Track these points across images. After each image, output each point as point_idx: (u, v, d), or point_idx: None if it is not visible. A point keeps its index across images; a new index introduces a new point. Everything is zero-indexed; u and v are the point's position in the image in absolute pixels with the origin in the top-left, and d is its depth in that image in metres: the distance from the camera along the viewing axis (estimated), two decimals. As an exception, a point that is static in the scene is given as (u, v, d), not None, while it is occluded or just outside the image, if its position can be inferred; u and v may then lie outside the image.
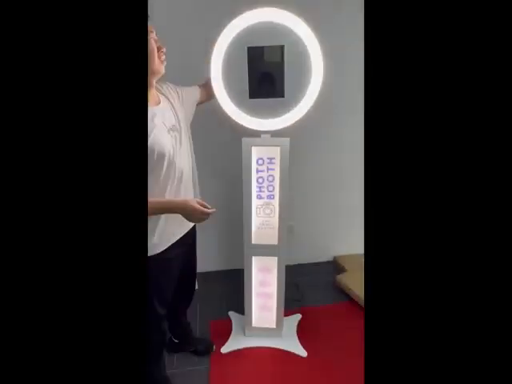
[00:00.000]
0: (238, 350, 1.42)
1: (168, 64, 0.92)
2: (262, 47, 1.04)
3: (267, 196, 1.25)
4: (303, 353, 1.39)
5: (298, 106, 1.07)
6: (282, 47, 1.02)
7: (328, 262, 2.06)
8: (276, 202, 1.25)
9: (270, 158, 1.20)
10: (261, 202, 1.26)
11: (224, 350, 1.41)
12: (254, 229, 1.29)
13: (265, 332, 1.46)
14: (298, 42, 1.01)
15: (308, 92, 1.05)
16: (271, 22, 0.99)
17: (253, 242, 1.30)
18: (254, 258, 1.34)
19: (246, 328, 1.46)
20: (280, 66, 1.05)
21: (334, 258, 2.05)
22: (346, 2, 1.50)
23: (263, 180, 1.23)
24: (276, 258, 1.33)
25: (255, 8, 0.98)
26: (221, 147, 1.72)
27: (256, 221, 1.29)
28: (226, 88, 1.07)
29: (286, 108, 1.08)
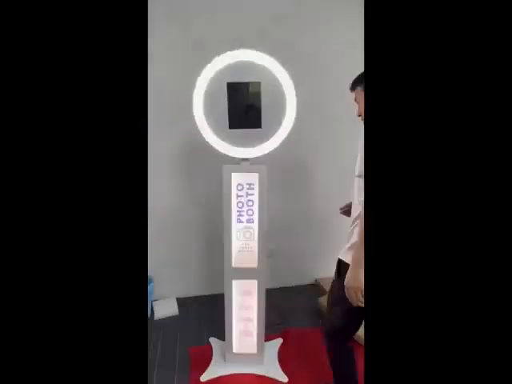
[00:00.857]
0: (218, 378, 1.39)
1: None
2: (241, 83, 1.13)
3: (247, 220, 1.30)
4: (284, 378, 1.38)
5: (274, 136, 1.15)
6: (259, 83, 1.12)
7: (311, 285, 2.09)
8: (255, 225, 1.30)
9: (249, 184, 1.26)
10: (241, 225, 1.31)
11: (203, 378, 1.38)
12: (234, 252, 1.32)
13: (246, 358, 1.44)
14: (274, 79, 1.11)
15: (283, 124, 1.14)
16: (251, 62, 1.09)
17: (233, 265, 1.32)
18: (234, 281, 1.35)
19: (227, 354, 1.44)
20: (257, 99, 1.14)
21: (316, 280, 2.08)
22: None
23: (243, 205, 1.28)
24: (256, 282, 1.35)
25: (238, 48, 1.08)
26: (202, 174, 1.78)
27: (236, 244, 1.32)
28: (207, 120, 1.14)
29: (264, 138, 1.16)
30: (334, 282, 1.05)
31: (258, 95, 1.13)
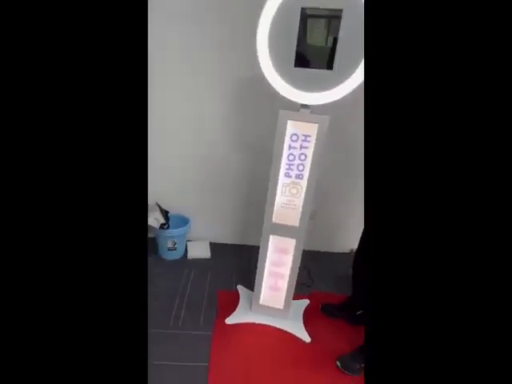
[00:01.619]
0: (243, 324, 1.42)
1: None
2: (319, 9, 0.93)
3: (296, 175, 1.19)
4: (307, 338, 1.38)
5: (346, 81, 0.97)
6: (341, 11, 0.91)
7: (345, 254, 2.01)
8: (304, 182, 1.19)
9: (306, 136, 1.12)
10: (288, 180, 1.20)
11: (229, 321, 1.42)
12: (276, 207, 1.24)
13: (271, 311, 1.45)
14: (359, 8, 0.89)
15: (359, 67, 0.95)
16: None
17: (273, 220, 1.26)
18: (271, 236, 1.30)
19: (254, 304, 1.45)
20: (335, 33, 0.94)
21: (351, 250, 1.99)
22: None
23: (294, 158, 1.16)
24: (294, 241, 1.29)
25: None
26: (258, 116, 1.65)
27: (280, 199, 1.24)
28: (271, 54, 0.98)
29: (333, 82, 0.99)
30: None
31: (336, 27, 0.93)
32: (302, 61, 0.99)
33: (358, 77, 0.97)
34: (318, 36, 0.98)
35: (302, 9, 0.93)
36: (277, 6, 0.93)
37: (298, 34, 0.96)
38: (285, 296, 1.41)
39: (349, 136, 1.71)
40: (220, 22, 1.44)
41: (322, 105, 1.04)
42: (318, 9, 0.93)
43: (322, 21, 0.95)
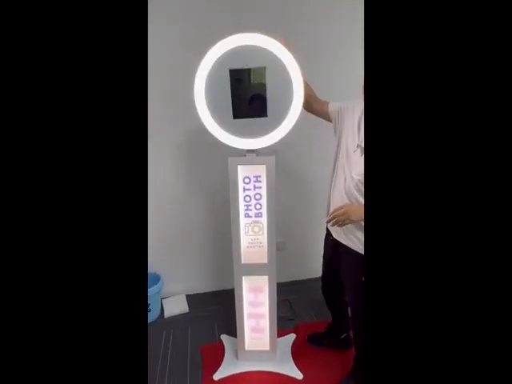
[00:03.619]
0: (231, 376, 1.36)
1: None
2: (245, 69, 1.06)
3: (255, 214, 1.25)
4: (299, 375, 1.35)
5: (280, 125, 1.09)
6: (264, 68, 1.05)
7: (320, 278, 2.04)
8: (264, 219, 1.25)
9: (257, 176, 1.20)
10: (249, 220, 1.25)
11: (216, 376, 1.35)
12: (243, 248, 1.27)
13: (258, 355, 1.41)
14: (279, 63, 1.03)
15: (290, 112, 1.07)
16: (254, 46, 1.02)
17: (242, 261, 1.28)
18: (244, 277, 1.31)
19: (239, 352, 1.41)
20: (262, 86, 1.07)
21: (327, 273, 2.03)
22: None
23: (250, 198, 1.22)
24: (267, 277, 1.31)
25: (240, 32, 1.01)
26: (207, 166, 1.73)
27: (245, 240, 1.27)
28: (210, 110, 1.08)
29: (270, 127, 1.10)
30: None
31: (263, 82, 1.06)
32: (239, 112, 1.10)
33: (291, 119, 1.09)
34: (249, 89, 1.09)
35: (230, 70, 1.05)
36: (208, 70, 1.05)
37: (231, 90, 1.07)
38: (269, 336, 1.38)
39: (306, 168, 1.84)
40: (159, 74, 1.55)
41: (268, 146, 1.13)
42: (244, 69, 1.05)
43: (250, 77, 1.07)
